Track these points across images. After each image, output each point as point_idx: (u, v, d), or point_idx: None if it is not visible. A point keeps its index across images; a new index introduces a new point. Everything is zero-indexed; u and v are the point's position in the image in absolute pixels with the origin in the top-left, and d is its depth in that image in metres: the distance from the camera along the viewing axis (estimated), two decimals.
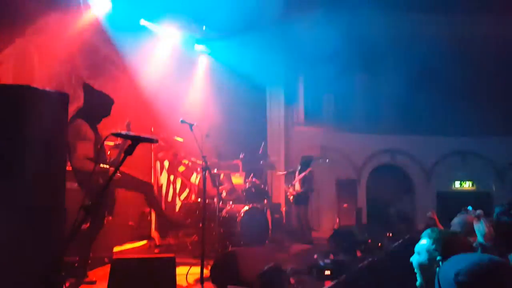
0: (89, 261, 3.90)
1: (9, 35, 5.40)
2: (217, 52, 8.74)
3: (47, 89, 5.31)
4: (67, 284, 3.18)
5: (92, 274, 3.95)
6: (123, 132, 1.77)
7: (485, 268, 1.23)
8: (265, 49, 8.78)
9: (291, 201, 7.98)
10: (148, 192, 4.49)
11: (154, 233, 5.88)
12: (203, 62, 8.76)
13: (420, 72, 10.39)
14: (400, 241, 7.32)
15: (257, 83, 9.47)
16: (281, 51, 9.51)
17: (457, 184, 11.62)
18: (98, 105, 4.15)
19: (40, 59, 5.89)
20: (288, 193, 8.05)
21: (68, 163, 4.99)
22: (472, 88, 10.67)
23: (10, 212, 2.27)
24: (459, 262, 1.29)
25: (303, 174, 7.74)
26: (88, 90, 4.21)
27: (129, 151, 1.63)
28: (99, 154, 4.04)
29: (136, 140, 1.67)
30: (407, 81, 10.04)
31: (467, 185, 11.71)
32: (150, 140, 1.80)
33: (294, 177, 7.96)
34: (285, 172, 8.64)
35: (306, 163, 7.85)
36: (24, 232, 2.28)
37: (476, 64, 10.56)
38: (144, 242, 5.55)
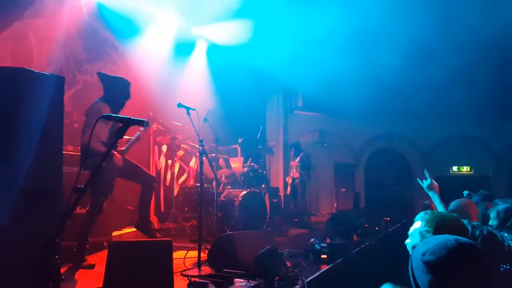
0: (88, 246, 3.95)
1: (7, 18, 5.34)
2: (214, 37, 8.65)
3: (44, 72, 5.27)
4: (62, 270, 3.22)
5: (91, 259, 4.01)
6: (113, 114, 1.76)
7: (450, 249, 1.25)
8: (263, 34, 8.67)
9: (289, 187, 7.99)
10: (148, 185, 4.51)
11: (152, 217, 5.93)
12: (201, 46, 8.67)
13: (418, 56, 10.29)
14: (397, 225, 7.41)
15: (255, 67, 9.39)
16: (279, 36, 9.39)
17: (454, 168, 11.67)
18: (116, 90, 4.23)
19: (38, 43, 5.84)
20: (288, 182, 8.13)
21: (69, 148, 5.02)
22: (470, 71, 10.60)
23: (5, 195, 2.28)
24: (428, 243, 1.32)
25: (298, 158, 7.86)
26: (104, 77, 4.33)
27: (120, 133, 1.63)
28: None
29: (127, 122, 1.67)
30: (404, 64, 9.95)
31: (465, 169, 11.76)
32: (141, 122, 1.80)
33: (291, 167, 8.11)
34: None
35: (296, 148, 8.05)
36: (19, 215, 2.30)
37: (474, 47, 10.46)
38: None
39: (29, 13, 5.71)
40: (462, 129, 11.30)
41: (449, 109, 10.78)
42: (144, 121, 1.81)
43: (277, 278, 3.38)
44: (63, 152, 3.29)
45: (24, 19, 5.64)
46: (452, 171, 11.78)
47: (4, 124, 2.46)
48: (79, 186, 1.63)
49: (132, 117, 1.75)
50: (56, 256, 1.68)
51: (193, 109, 4.24)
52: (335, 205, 9.37)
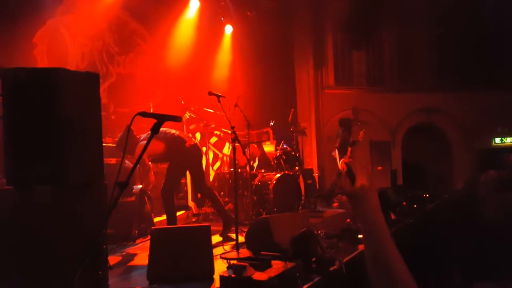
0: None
1: (41, 17, 5.58)
2: (242, 20, 8.56)
3: (79, 69, 5.50)
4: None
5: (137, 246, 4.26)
6: (149, 112, 1.83)
7: None
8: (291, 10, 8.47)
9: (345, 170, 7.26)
10: None
11: (191, 203, 6.12)
12: (229, 31, 8.64)
13: (456, 25, 9.71)
14: (437, 202, 7.19)
15: (284, 47, 9.24)
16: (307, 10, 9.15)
17: (497, 140, 11.08)
18: None
19: (72, 38, 6.06)
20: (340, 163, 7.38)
21: (108, 140, 5.25)
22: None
23: (54, 190, 2.43)
24: None
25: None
26: None
27: (155, 129, 1.69)
28: None
29: (161, 119, 1.73)
30: (442, 34, 9.44)
31: (509, 140, 11.14)
32: (174, 119, 1.85)
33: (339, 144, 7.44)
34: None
35: (346, 124, 7.38)
36: (68, 208, 2.45)
37: None
38: (182, 212, 5.80)
39: (60, 10, 5.92)
40: (503, 99, 10.63)
41: (488, 79, 10.17)
42: (177, 117, 1.87)
43: (314, 259, 3.41)
44: (103, 144, 3.44)
45: (56, 16, 5.86)
46: (495, 143, 11.21)
47: (46, 122, 2.59)
48: (121, 181, 1.71)
49: (166, 114, 1.81)
50: (104, 246, 1.80)
51: (223, 96, 4.28)
52: None
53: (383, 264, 1.04)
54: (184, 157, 4.55)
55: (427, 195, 7.62)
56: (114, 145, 4.84)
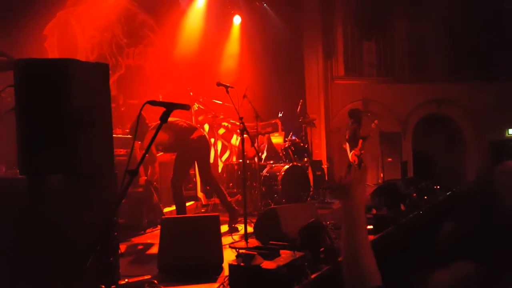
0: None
1: (51, 9, 5.62)
2: (251, 11, 8.50)
3: (90, 60, 5.54)
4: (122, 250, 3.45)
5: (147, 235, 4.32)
6: (158, 100, 1.83)
7: None
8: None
9: (356, 163, 7.22)
10: None
11: (200, 194, 6.17)
12: (237, 21, 8.59)
13: (469, 13, 9.50)
14: (448, 194, 7.11)
15: (293, 37, 9.16)
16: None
17: (511, 131, 10.89)
18: None
19: (82, 30, 6.10)
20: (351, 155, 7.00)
21: (118, 131, 5.29)
22: None
23: (66, 179, 2.47)
24: None
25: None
26: None
27: (164, 118, 1.70)
28: None
29: (170, 107, 1.73)
30: (453, 24, 9.24)
31: None
32: (183, 107, 1.86)
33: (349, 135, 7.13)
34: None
35: (356, 116, 7.28)
36: (79, 196, 2.49)
37: None
38: (191, 202, 5.85)
39: (70, 2, 5.96)
40: None
41: (503, 68, 9.95)
42: (186, 105, 1.88)
43: (322, 249, 3.42)
44: (113, 135, 3.47)
45: (66, 8, 5.90)
46: (508, 134, 11.02)
47: (57, 112, 2.62)
48: (131, 169, 1.72)
49: (175, 103, 1.82)
50: (116, 233, 1.83)
51: (232, 87, 4.27)
52: (382, 176, 9.14)
53: (353, 253, 1.16)
54: (191, 147, 4.56)
55: (438, 187, 7.54)
56: (125, 136, 4.89)
